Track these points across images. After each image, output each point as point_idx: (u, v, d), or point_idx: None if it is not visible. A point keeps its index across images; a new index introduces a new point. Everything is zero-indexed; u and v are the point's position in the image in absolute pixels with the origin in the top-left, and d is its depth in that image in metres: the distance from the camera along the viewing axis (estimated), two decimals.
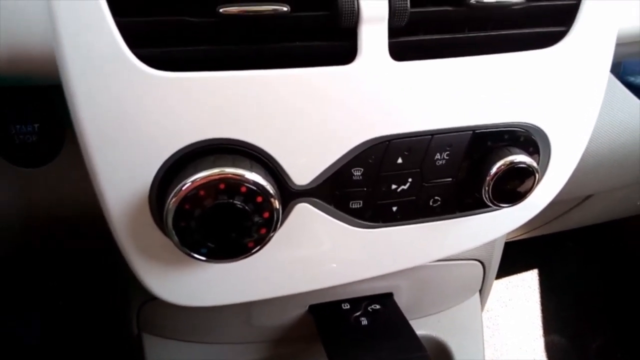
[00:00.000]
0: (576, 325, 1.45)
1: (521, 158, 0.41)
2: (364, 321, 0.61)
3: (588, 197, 0.83)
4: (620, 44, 0.47)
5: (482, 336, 0.74)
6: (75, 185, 0.45)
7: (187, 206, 0.34)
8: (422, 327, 0.70)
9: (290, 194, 0.39)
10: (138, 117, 0.34)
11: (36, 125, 0.44)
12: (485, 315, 1.44)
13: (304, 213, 0.40)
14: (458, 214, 0.45)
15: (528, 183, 0.42)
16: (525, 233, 1.12)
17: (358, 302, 0.64)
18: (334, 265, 0.44)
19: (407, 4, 0.35)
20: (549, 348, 1.42)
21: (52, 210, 0.47)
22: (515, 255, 1.43)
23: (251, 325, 0.64)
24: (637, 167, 0.72)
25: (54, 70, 0.33)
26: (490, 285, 0.78)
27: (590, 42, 0.41)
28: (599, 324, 1.45)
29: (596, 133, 0.65)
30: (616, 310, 1.46)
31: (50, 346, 1.03)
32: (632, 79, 0.75)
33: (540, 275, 1.53)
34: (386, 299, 0.65)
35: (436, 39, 0.38)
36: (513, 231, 0.50)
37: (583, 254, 1.55)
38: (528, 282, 1.52)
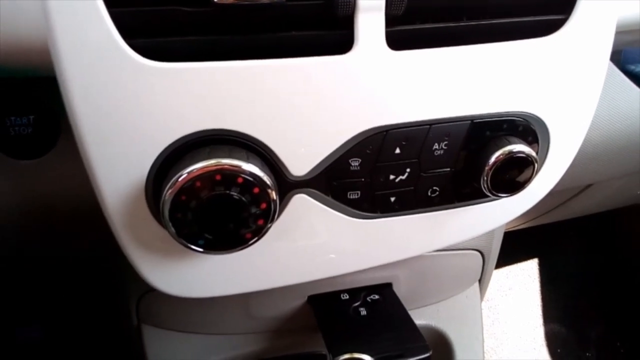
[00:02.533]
0: (576, 314, 1.46)
1: (520, 147, 0.40)
2: (363, 311, 0.61)
3: (588, 186, 0.82)
4: (620, 32, 0.46)
5: (482, 326, 0.74)
6: (71, 176, 0.45)
7: (183, 197, 0.33)
8: (421, 317, 0.70)
9: (287, 185, 0.39)
10: (133, 108, 0.33)
11: (31, 117, 0.43)
12: (485, 304, 1.45)
13: (302, 204, 0.40)
14: (456, 204, 0.44)
15: (527, 173, 0.42)
16: (525, 222, 1.12)
17: (357, 293, 0.64)
18: (332, 255, 0.44)
19: None
20: (549, 337, 1.43)
21: (48, 202, 0.46)
22: (515, 245, 1.43)
23: (250, 316, 0.64)
24: (637, 156, 0.72)
25: (50, 62, 0.33)
26: (490, 275, 0.78)
27: (589, 30, 0.41)
28: (598, 313, 1.46)
29: (595, 122, 0.65)
30: (615, 299, 1.46)
31: (52, 338, 1.04)
32: (632, 67, 0.74)
33: (540, 264, 1.53)
34: (385, 289, 0.65)
35: (434, 27, 0.37)
36: (513, 220, 0.50)
37: (583, 243, 1.55)
38: (528, 272, 1.52)
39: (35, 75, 0.40)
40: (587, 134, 0.46)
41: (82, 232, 0.53)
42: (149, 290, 0.62)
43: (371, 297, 0.64)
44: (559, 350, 1.42)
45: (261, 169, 0.35)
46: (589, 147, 0.66)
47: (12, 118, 0.43)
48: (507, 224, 0.53)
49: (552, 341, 1.43)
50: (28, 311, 1.03)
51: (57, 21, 0.31)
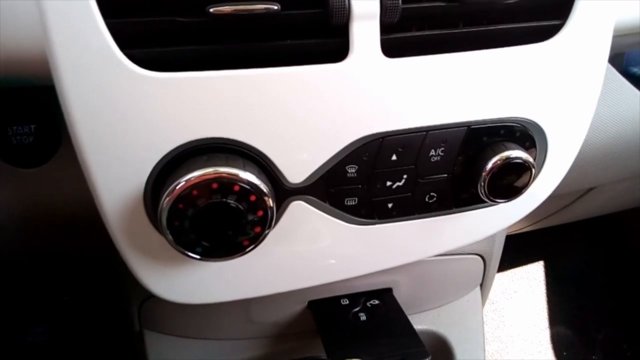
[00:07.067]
0: (582, 317, 1.45)
1: (517, 153, 0.40)
2: (363, 317, 0.61)
3: (590, 189, 0.82)
4: (622, 35, 0.46)
5: (483, 330, 0.74)
6: (72, 185, 0.45)
7: (180, 205, 0.34)
8: (421, 322, 0.70)
9: (284, 192, 0.39)
10: (130, 117, 0.34)
11: (33, 126, 0.44)
12: (490, 307, 1.44)
13: (299, 211, 0.40)
14: (454, 209, 0.44)
15: (524, 178, 0.41)
16: (528, 225, 1.12)
17: (357, 298, 0.64)
18: (331, 262, 0.44)
19: (398, 0, 0.35)
20: (555, 340, 1.42)
21: (49, 210, 0.47)
22: (520, 248, 1.42)
23: (251, 322, 0.64)
24: (638, 159, 0.71)
25: (48, 72, 0.33)
26: (492, 279, 0.77)
27: (586, 35, 0.41)
28: (604, 315, 1.45)
29: (596, 125, 0.65)
30: (621, 301, 1.45)
31: (55, 343, 1.04)
32: (635, 69, 0.74)
33: (546, 267, 1.52)
34: (385, 294, 0.65)
35: (429, 35, 0.38)
36: (514, 224, 0.50)
37: (588, 245, 1.54)
38: (533, 274, 1.51)
39: (35, 85, 0.40)
40: (587, 138, 0.45)
41: (83, 239, 0.53)
42: (151, 296, 0.62)
43: (371, 302, 0.63)
44: (564, 353, 1.41)
45: (258, 176, 0.35)
46: (589, 150, 0.66)
47: (14, 127, 0.43)
48: (509, 227, 0.52)
49: (558, 344, 1.42)
50: (32, 315, 1.04)
51: (54, 32, 0.31)
